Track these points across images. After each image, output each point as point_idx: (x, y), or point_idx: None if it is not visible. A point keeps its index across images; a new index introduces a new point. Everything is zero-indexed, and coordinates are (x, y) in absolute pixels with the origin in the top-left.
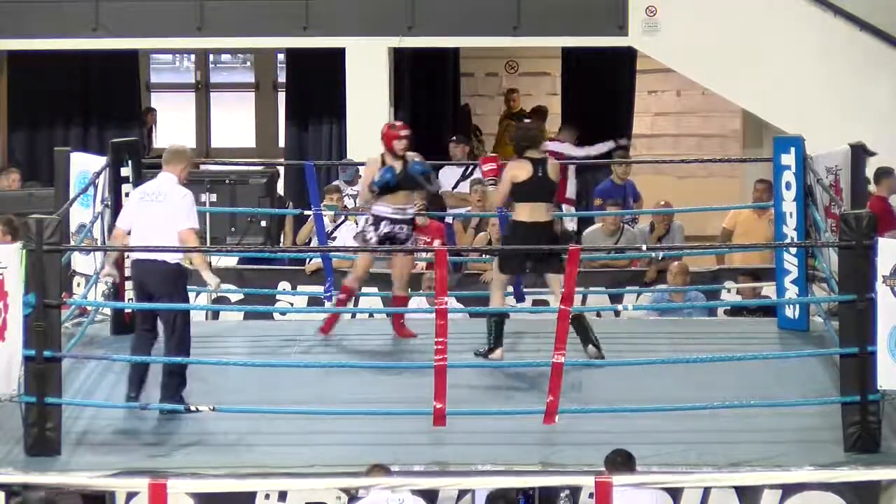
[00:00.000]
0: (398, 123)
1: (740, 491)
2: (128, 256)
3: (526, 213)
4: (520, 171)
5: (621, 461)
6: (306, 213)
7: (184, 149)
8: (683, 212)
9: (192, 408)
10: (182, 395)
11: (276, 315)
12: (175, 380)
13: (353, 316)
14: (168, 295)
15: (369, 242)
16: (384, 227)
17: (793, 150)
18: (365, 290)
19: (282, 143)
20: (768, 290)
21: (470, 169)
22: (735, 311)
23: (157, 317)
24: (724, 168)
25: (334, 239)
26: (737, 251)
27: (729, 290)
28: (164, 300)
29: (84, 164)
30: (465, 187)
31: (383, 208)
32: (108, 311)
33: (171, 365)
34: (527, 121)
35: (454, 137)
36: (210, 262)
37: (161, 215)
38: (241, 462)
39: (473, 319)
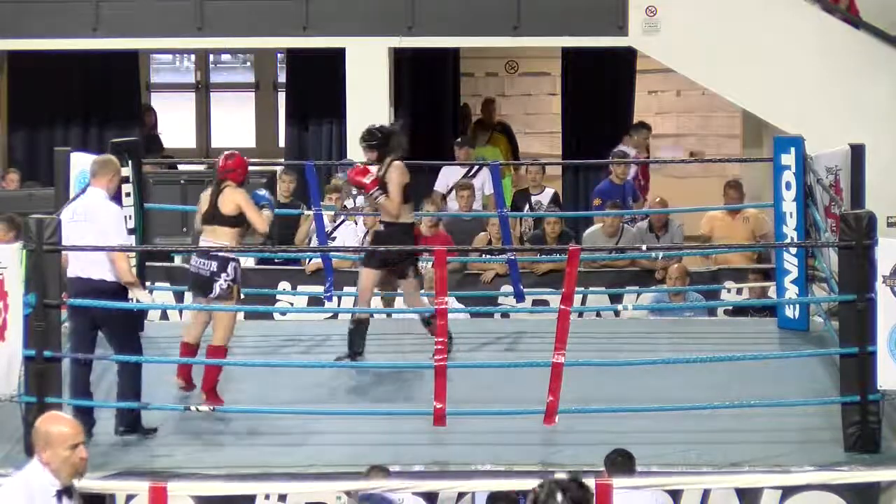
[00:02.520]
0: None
1: (740, 490)
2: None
3: (408, 214)
4: (405, 175)
5: (621, 461)
6: (306, 212)
7: (110, 159)
8: (682, 212)
9: (192, 408)
10: (139, 419)
11: (276, 315)
12: (129, 399)
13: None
14: (110, 315)
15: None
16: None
17: (793, 150)
18: None
19: (282, 143)
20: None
21: (473, 171)
22: (736, 310)
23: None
24: (724, 168)
25: (334, 239)
26: (737, 251)
27: (729, 290)
28: (107, 321)
29: (84, 164)
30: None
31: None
32: None
33: (124, 386)
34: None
35: (458, 140)
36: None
37: (91, 235)
38: (241, 462)
39: (473, 319)
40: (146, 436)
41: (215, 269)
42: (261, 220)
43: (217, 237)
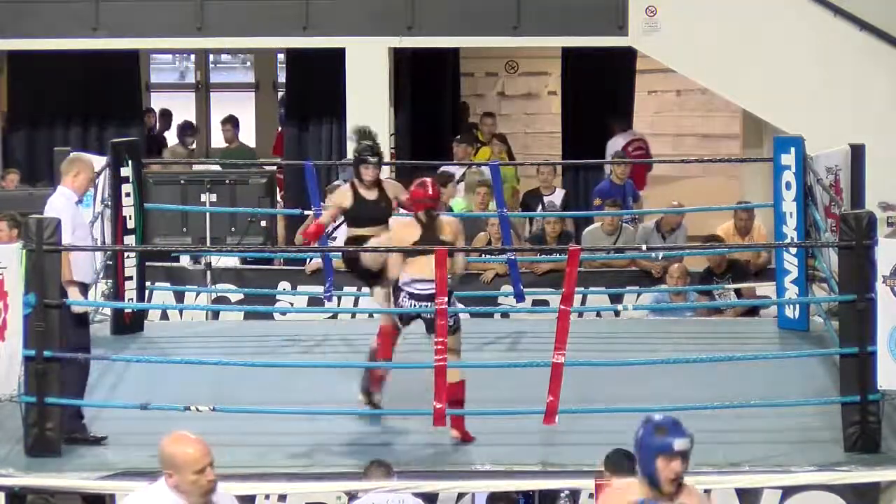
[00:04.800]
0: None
1: (740, 490)
2: None
3: None
4: None
5: (621, 461)
6: (306, 212)
7: (75, 158)
8: (683, 212)
9: (192, 408)
10: (83, 424)
11: (276, 315)
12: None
13: (353, 316)
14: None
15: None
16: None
17: (793, 150)
18: (365, 290)
19: None
20: (768, 290)
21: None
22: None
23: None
24: (724, 168)
25: (334, 239)
26: (736, 251)
27: (719, 295)
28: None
29: None
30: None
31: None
32: (108, 311)
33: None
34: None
35: (457, 137)
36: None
37: None
38: (241, 462)
39: (474, 319)
40: (95, 443)
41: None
42: (463, 261)
43: (430, 272)
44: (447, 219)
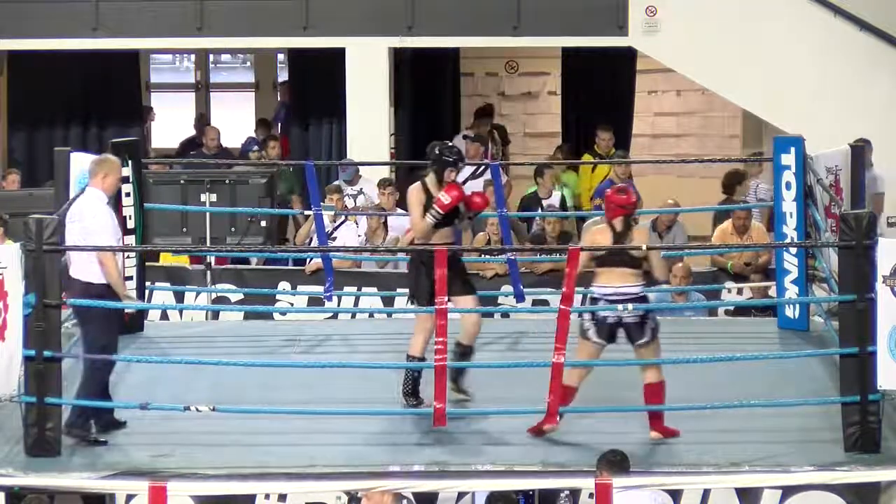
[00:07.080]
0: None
1: (740, 490)
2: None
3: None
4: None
5: (616, 462)
6: (306, 212)
7: (103, 159)
8: (684, 212)
9: (192, 408)
10: (89, 425)
11: (276, 315)
12: (82, 405)
13: (353, 316)
14: (82, 315)
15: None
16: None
17: (793, 150)
18: (365, 290)
19: None
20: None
21: (481, 168)
22: (737, 310)
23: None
24: (723, 168)
25: (334, 239)
26: (736, 251)
27: (729, 291)
28: (84, 321)
29: (84, 164)
30: (476, 186)
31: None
32: None
33: (80, 389)
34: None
35: (471, 136)
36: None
37: (79, 236)
38: (241, 462)
39: None
40: (94, 444)
41: (643, 312)
42: (660, 265)
43: (625, 280)
44: (640, 229)
